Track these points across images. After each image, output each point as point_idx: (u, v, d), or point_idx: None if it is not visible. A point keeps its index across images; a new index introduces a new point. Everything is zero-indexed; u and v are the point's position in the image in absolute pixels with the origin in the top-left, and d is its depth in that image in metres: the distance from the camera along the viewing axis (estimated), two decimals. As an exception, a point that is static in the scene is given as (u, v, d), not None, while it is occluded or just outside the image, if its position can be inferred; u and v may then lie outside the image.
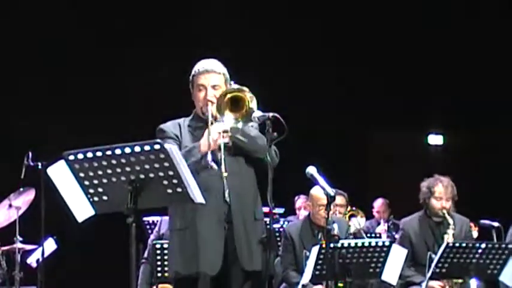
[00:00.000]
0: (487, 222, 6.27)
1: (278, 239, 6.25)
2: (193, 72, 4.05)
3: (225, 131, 3.80)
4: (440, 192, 5.67)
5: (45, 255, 6.42)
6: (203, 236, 3.84)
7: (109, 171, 3.15)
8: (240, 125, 3.82)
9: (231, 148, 3.90)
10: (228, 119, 3.81)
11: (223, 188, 3.87)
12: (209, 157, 3.74)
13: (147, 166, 3.13)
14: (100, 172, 3.16)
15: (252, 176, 3.97)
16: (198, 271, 3.83)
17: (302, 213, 7.98)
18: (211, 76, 3.98)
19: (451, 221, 5.59)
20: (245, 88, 3.82)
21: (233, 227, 3.87)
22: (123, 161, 3.12)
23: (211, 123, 3.84)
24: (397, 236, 6.34)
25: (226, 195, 3.87)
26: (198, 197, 3.26)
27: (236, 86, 3.87)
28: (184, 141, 3.98)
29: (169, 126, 4.03)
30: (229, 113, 3.81)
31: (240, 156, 3.94)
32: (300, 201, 8.25)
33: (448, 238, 5.52)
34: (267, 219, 3.96)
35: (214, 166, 3.76)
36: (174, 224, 4.00)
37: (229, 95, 3.82)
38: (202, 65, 4.03)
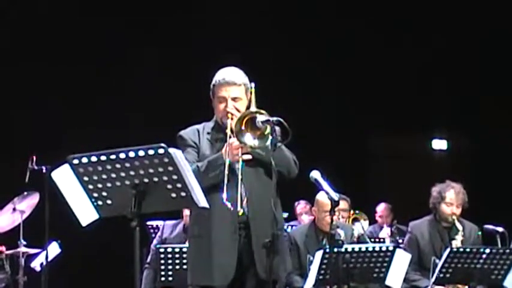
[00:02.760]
0: (491, 227, 6.25)
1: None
2: (213, 82, 4.03)
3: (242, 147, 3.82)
4: (452, 198, 5.66)
5: (49, 259, 6.42)
6: (217, 245, 3.85)
7: (113, 175, 3.15)
8: (256, 142, 3.80)
9: (250, 159, 3.90)
10: (248, 138, 3.81)
11: (241, 196, 3.86)
12: (224, 196, 3.74)
13: (151, 170, 3.13)
14: (104, 176, 3.16)
15: (271, 185, 3.86)
16: (212, 282, 3.85)
17: (304, 218, 7.97)
18: (232, 89, 3.97)
19: (460, 227, 5.58)
20: (262, 111, 3.80)
21: (250, 235, 3.86)
22: (127, 165, 3.12)
23: (230, 137, 3.85)
24: (400, 241, 6.33)
25: (244, 204, 3.86)
26: (201, 201, 3.26)
27: (254, 109, 3.85)
28: (203, 149, 3.98)
29: (189, 133, 4.03)
30: (247, 133, 3.81)
31: (259, 166, 3.94)
32: (300, 206, 8.24)
33: (457, 244, 5.51)
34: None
35: (229, 205, 3.75)
36: (192, 231, 4.04)
37: (246, 118, 3.82)
38: (223, 75, 4.01)
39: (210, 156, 3.94)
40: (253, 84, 4.00)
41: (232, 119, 3.91)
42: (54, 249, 6.74)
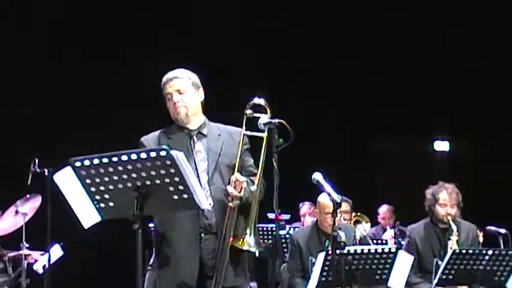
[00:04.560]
0: (493, 228, 6.25)
1: (284, 245, 6.24)
2: (161, 87, 4.01)
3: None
4: (445, 199, 5.66)
5: (52, 261, 6.43)
6: (179, 253, 3.79)
7: (115, 177, 3.16)
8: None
9: (218, 166, 3.86)
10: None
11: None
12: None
13: (153, 172, 3.13)
14: (106, 178, 3.17)
15: None
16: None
17: (307, 220, 7.97)
18: (174, 82, 3.95)
19: (454, 227, 5.58)
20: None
21: (213, 241, 3.80)
22: (129, 167, 3.13)
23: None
24: (403, 243, 6.32)
25: (210, 207, 3.77)
26: (204, 203, 3.27)
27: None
28: None
29: (149, 140, 3.96)
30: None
31: (227, 173, 3.86)
32: (305, 207, 8.23)
33: (452, 245, 5.51)
34: (273, 226, 3.96)
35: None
36: (155, 242, 3.95)
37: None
38: (165, 76, 4.01)
39: None
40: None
41: (179, 113, 3.89)
42: (56, 251, 6.74)
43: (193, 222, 3.78)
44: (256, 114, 3.87)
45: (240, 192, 3.74)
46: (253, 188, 3.77)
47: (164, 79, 4.00)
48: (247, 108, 3.90)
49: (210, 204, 3.76)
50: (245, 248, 3.74)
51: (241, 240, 3.74)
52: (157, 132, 4.01)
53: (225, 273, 3.77)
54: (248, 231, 3.73)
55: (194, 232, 3.79)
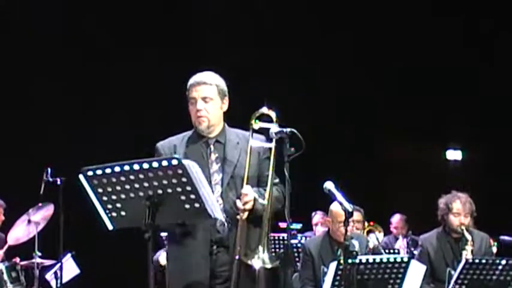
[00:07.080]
0: (506, 238, 6.22)
1: (296, 254, 6.23)
2: (187, 87, 3.90)
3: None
4: (458, 208, 5.64)
5: (68, 278, 6.45)
6: (190, 264, 3.75)
7: (127, 186, 3.17)
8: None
9: (233, 178, 3.80)
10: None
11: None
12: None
13: (164, 181, 3.14)
14: (118, 188, 3.18)
15: None
16: None
17: (318, 229, 7.96)
18: (202, 88, 3.82)
19: (469, 237, 5.56)
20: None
21: (225, 254, 3.77)
22: (141, 176, 3.13)
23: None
24: (415, 252, 6.30)
25: (222, 220, 3.74)
26: (216, 212, 3.27)
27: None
28: None
29: (165, 147, 3.88)
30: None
31: (241, 185, 3.78)
32: (317, 217, 8.23)
33: (467, 254, 5.48)
34: (285, 235, 3.94)
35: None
36: (169, 252, 3.95)
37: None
38: (194, 78, 3.88)
39: None
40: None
41: (200, 123, 3.79)
42: (72, 268, 6.76)
43: (205, 235, 3.74)
44: (263, 125, 3.79)
45: (245, 205, 3.67)
46: (264, 201, 3.69)
47: (191, 81, 3.86)
48: (253, 118, 3.82)
49: (224, 216, 3.72)
50: (258, 265, 3.65)
51: (254, 257, 3.65)
52: (174, 138, 3.92)
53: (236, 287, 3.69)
54: (261, 248, 3.65)
55: (206, 245, 3.74)
